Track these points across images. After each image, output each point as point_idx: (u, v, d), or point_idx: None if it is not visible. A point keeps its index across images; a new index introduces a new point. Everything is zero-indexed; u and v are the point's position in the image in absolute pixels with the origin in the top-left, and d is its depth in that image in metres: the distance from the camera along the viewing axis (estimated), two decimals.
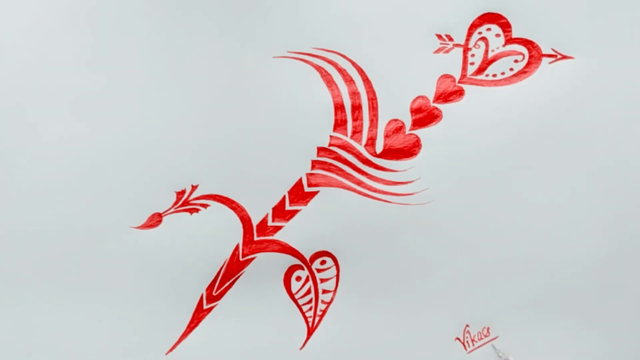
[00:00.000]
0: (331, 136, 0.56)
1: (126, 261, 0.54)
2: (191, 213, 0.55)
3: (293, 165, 0.56)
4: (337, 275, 0.56)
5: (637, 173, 0.57)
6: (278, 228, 0.55)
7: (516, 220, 0.56)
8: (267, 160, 0.55)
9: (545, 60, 0.57)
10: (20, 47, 0.55)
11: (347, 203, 0.56)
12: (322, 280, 0.56)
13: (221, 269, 0.55)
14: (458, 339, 0.56)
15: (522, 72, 0.57)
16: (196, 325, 0.55)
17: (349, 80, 0.56)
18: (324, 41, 0.56)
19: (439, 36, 0.57)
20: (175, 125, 0.55)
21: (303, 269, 0.55)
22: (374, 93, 0.56)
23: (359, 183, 0.56)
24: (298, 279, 0.55)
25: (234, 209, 0.55)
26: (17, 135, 0.54)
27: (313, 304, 0.55)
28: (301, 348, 0.55)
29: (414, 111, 0.57)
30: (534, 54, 0.57)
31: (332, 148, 0.56)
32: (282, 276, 0.55)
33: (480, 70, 0.57)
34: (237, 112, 0.55)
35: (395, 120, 0.57)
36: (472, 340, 0.56)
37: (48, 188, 0.54)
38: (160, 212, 0.55)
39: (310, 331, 0.55)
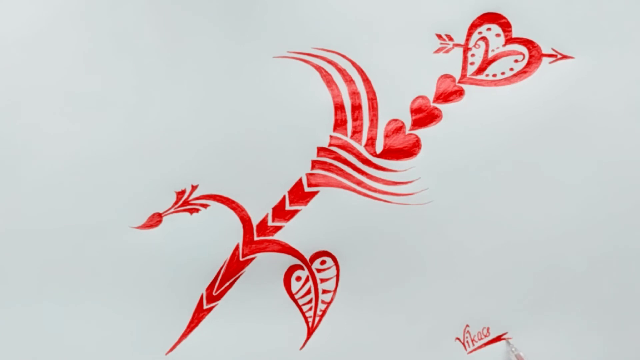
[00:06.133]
0: (331, 136, 0.56)
1: (126, 261, 0.54)
2: (191, 213, 0.55)
3: (293, 165, 0.56)
4: (337, 275, 0.56)
5: (638, 172, 0.57)
6: (278, 228, 0.55)
7: (516, 220, 0.56)
8: (267, 160, 0.55)
9: (545, 60, 0.57)
10: (19, 46, 0.55)
11: (347, 203, 0.56)
12: (322, 280, 0.56)
13: (221, 269, 0.55)
14: (458, 339, 0.56)
15: (522, 72, 0.57)
16: (196, 325, 0.55)
17: (349, 80, 0.56)
18: (324, 41, 0.56)
19: (439, 36, 0.57)
20: (175, 125, 0.55)
21: (303, 269, 0.55)
22: (374, 93, 0.56)
23: (359, 183, 0.56)
24: (298, 279, 0.55)
25: (234, 209, 0.55)
26: (16, 135, 0.54)
27: (313, 304, 0.55)
28: (301, 348, 0.55)
29: (414, 111, 0.57)
30: (534, 54, 0.57)
31: (332, 148, 0.56)
32: (282, 276, 0.55)
33: (480, 70, 0.57)
34: (237, 112, 0.55)
35: (395, 120, 0.57)
36: (472, 340, 0.56)
37: (47, 188, 0.54)
38: (160, 212, 0.55)
39: (310, 331, 0.55)
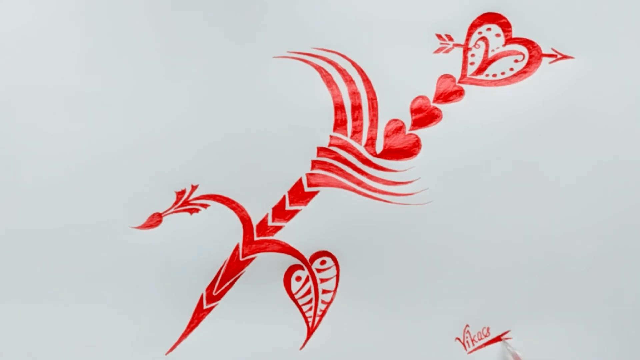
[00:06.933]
0: (331, 136, 0.56)
1: (126, 261, 0.54)
2: (191, 213, 0.55)
3: (293, 165, 0.56)
4: (337, 275, 0.56)
5: (637, 172, 0.57)
6: (278, 228, 0.55)
7: (516, 220, 0.56)
8: (267, 160, 0.55)
9: (545, 60, 0.57)
10: (19, 46, 0.55)
11: (347, 203, 0.56)
12: (322, 280, 0.56)
13: (221, 269, 0.55)
14: (458, 339, 0.56)
15: (522, 72, 0.57)
16: (196, 325, 0.55)
17: (349, 80, 0.56)
18: (324, 41, 0.56)
19: (439, 36, 0.57)
20: (176, 125, 0.55)
21: (303, 269, 0.55)
22: (374, 93, 0.56)
23: (359, 183, 0.56)
24: (298, 279, 0.55)
25: (234, 209, 0.55)
26: (17, 135, 0.54)
27: (313, 304, 0.55)
28: (301, 348, 0.55)
29: (414, 111, 0.57)
30: (534, 54, 0.57)
31: (332, 148, 0.56)
32: (282, 276, 0.55)
33: (480, 70, 0.57)
34: (237, 112, 0.55)
35: (395, 120, 0.57)
36: (472, 340, 0.56)
37: (47, 188, 0.54)
38: (160, 212, 0.55)
39: (310, 331, 0.55)
